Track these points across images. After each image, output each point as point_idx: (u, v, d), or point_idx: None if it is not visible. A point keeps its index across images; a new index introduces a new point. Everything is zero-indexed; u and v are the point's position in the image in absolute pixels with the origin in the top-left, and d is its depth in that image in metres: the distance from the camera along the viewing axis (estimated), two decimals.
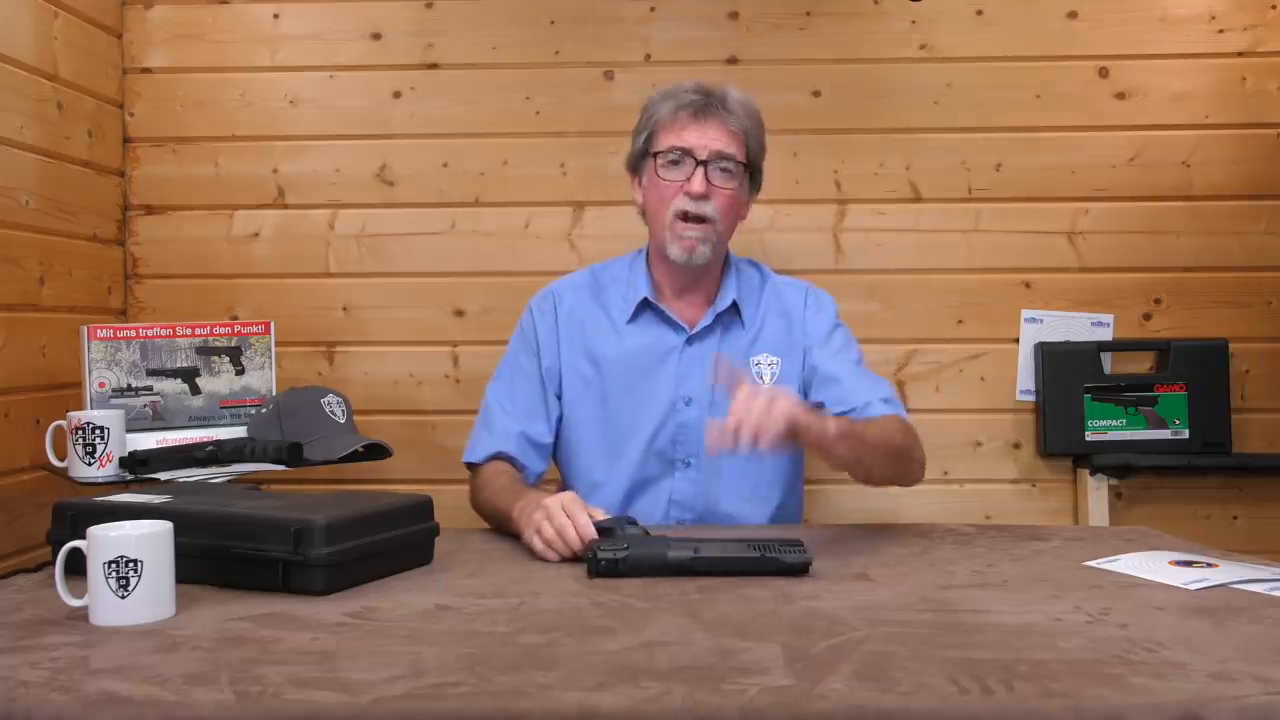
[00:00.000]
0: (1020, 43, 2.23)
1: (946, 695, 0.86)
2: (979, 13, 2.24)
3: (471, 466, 1.74)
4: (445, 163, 2.27)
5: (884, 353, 2.24)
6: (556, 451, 1.79)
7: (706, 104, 1.67)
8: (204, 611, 1.13)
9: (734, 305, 1.75)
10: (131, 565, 1.09)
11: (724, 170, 1.67)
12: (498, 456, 1.71)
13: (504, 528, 1.57)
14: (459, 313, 2.27)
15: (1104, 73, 2.23)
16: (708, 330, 1.75)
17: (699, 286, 1.76)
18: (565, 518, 1.38)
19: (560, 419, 1.76)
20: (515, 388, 1.76)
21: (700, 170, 1.65)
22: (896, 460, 1.63)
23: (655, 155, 1.69)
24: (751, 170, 1.72)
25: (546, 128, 2.26)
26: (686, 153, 1.66)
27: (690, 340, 1.74)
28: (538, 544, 1.40)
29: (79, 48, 2.08)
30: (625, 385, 1.73)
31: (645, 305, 1.76)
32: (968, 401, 2.26)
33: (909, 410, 2.21)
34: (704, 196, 1.65)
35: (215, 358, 1.95)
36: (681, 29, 2.25)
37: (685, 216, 1.66)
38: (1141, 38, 2.23)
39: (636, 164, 1.75)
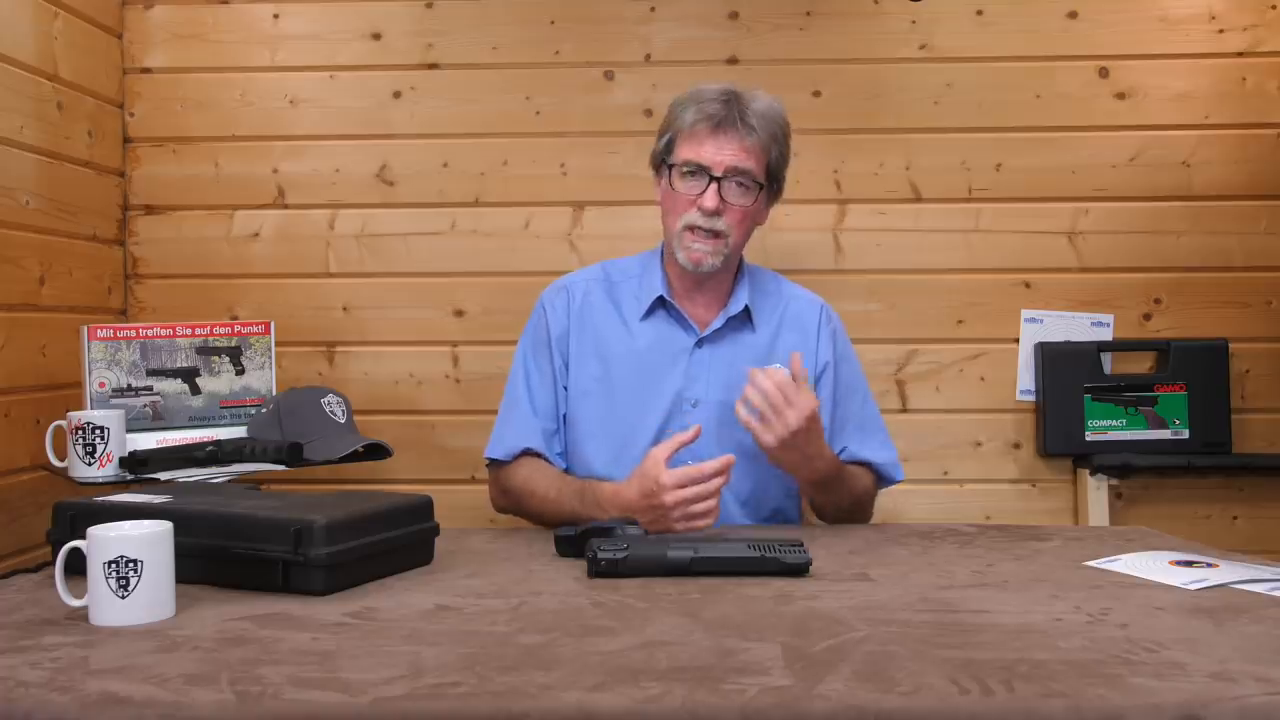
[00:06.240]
0: (1020, 43, 2.23)
1: (946, 695, 0.86)
2: (979, 13, 2.24)
3: (495, 463, 1.74)
4: (445, 163, 2.26)
5: (884, 353, 2.24)
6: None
7: (725, 117, 1.64)
8: (204, 611, 1.13)
9: (746, 310, 1.75)
10: (131, 565, 1.09)
11: (739, 185, 1.66)
12: (526, 453, 1.72)
13: (557, 517, 1.59)
14: (459, 313, 2.27)
15: (1104, 73, 2.23)
16: (718, 334, 1.74)
17: (710, 289, 1.76)
18: (682, 489, 1.47)
19: (565, 412, 1.76)
20: (532, 384, 1.76)
21: (714, 186, 1.64)
22: (848, 513, 1.75)
23: (672, 166, 1.68)
24: (771, 179, 1.71)
25: (546, 128, 2.25)
26: (702, 167, 1.65)
27: (700, 343, 1.74)
28: (691, 525, 1.49)
29: (79, 48, 2.08)
30: (632, 383, 1.73)
31: (660, 303, 1.76)
32: (968, 401, 2.25)
33: (909, 410, 2.25)
34: (716, 212, 1.65)
35: (215, 358, 1.95)
36: (681, 29, 2.25)
37: (694, 229, 1.66)
38: (1141, 38, 2.23)
39: (657, 165, 1.74)
